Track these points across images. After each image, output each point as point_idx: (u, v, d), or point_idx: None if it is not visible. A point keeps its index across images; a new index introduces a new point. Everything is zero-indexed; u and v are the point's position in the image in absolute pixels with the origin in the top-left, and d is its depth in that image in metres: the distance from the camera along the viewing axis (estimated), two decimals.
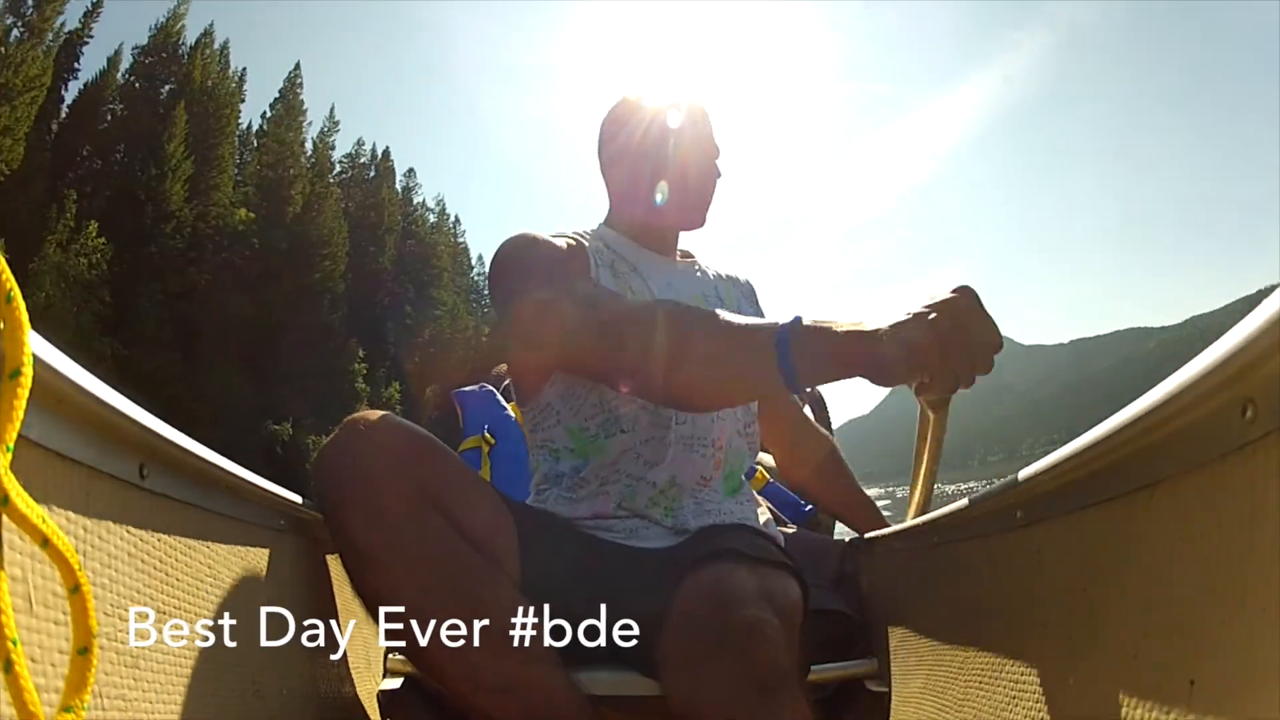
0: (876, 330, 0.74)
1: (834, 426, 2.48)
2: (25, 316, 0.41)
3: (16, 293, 0.40)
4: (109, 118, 28.22)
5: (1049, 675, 0.71)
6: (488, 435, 1.71)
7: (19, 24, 24.69)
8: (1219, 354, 0.44)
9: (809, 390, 2.71)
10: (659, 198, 1.15)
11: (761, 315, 1.19)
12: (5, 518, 0.40)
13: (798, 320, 0.79)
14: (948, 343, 0.71)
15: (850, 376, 0.78)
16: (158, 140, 27.34)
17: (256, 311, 28.31)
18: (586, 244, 1.13)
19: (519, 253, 1.07)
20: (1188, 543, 0.50)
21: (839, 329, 0.77)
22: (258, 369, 27.64)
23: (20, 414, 0.39)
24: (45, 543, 0.41)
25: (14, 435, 0.39)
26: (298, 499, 0.96)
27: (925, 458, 1.11)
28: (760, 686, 0.74)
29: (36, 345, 0.42)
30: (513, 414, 1.76)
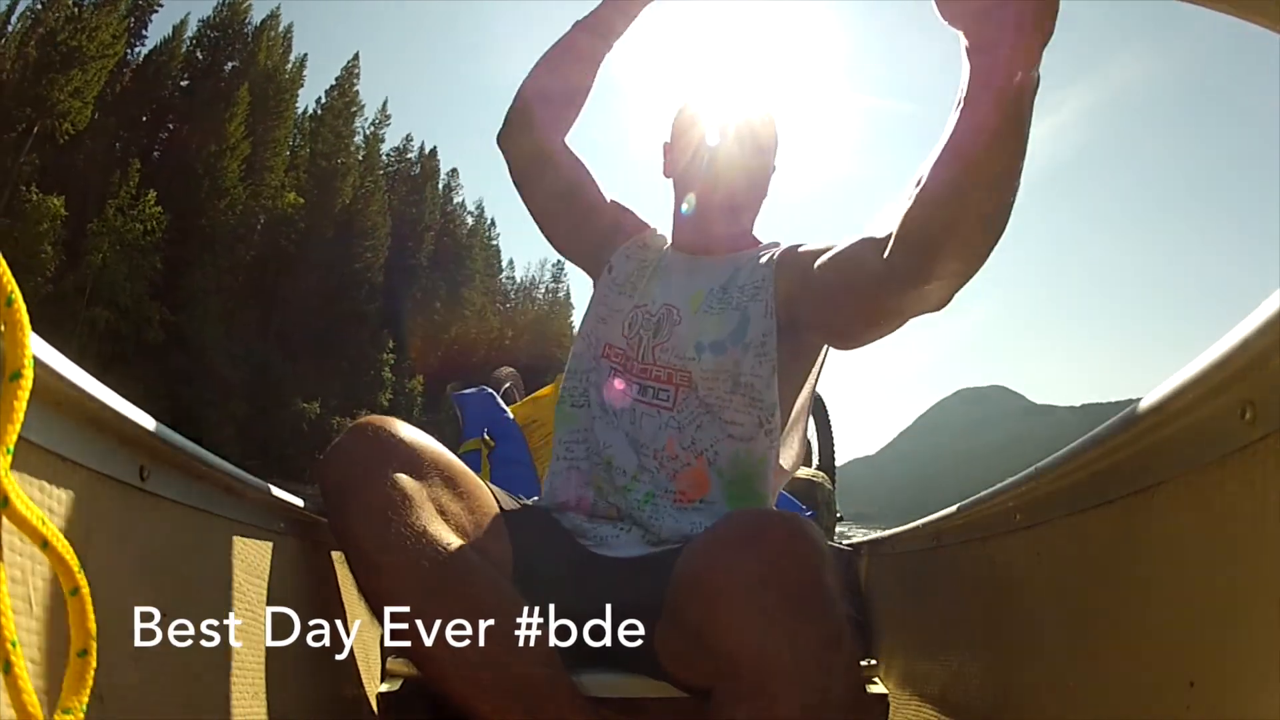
0: None
1: (838, 464, 2.43)
2: (26, 318, 0.41)
3: (17, 295, 0.40)
4: (173, 88, 28.84)
5: (1049, 676, 0.71)
6: (487, 438, 1.71)
7: None
8: (1218, 356, 0.44)
9: (814, 395, 2.70)
10: (685, 208, 1.16)
11: (769, 271, 1.06)
12: (5, 519, 0.40)
13: None
14: None
15: None
16: (218, 115, 28.01)
17: (297, 293, 29.44)
18: (644, 236, 1.20)
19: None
20: (1187, 544, 0.50)
21: None
22: (293, 347, 28.78)
23: (21, 416, 0.39)
24: (45, 545, 0.41)
25: (14, 437, 0.39)
26: (298, 501, 0.96)
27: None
28: (795, 591, 0.66)
29: (37, 347, 0.42)
30: (512, 416, 1.76)
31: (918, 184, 0.73)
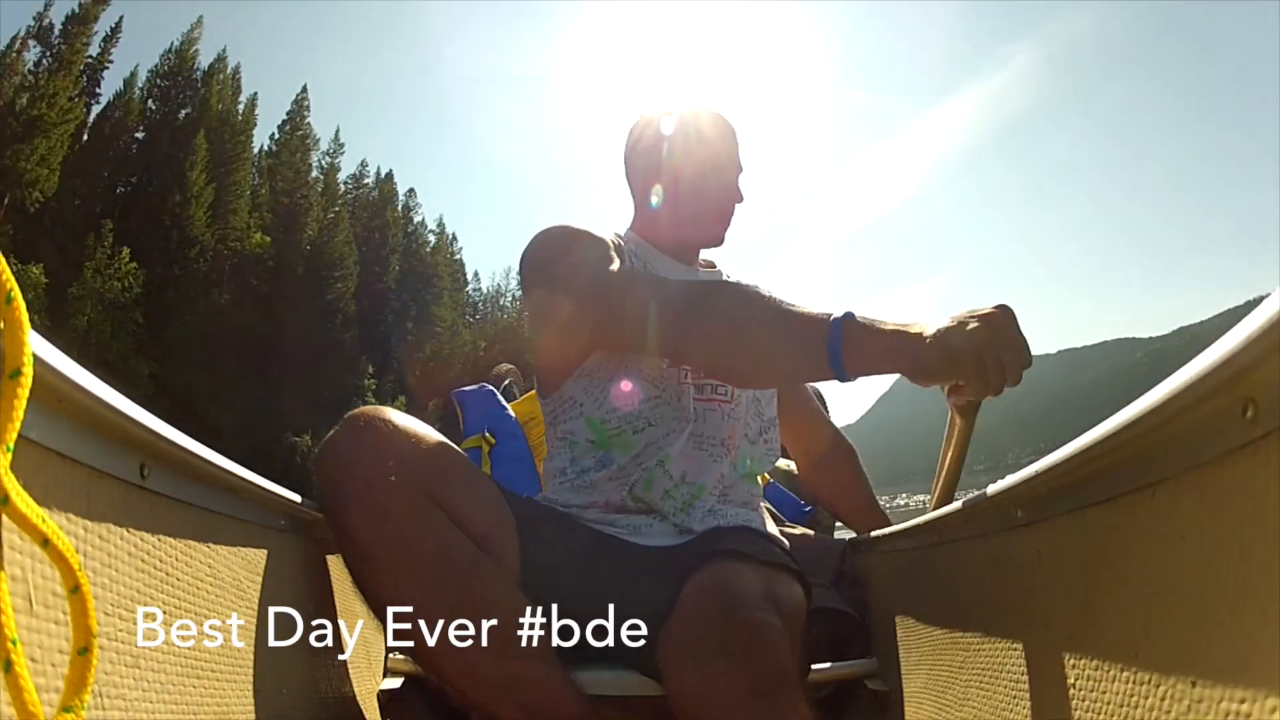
0: (921, 333, 0.80)
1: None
2: (25, 316, 0.41)
3: (17, 293, 0.40)
4: (130, 143, 29.47)
5: (1049, 674, 0.71)
6: (488, 435, 1.71)
7: (48, 54, 25.69)
8: (1219, 354, 0.44)
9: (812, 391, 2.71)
10: (654, 200, 1.17)
11: None
12: (5, 518, 0.40)
13: (850, 315, 0.84)
14: (984, 352, 0.76)
15: (892, 371, 0.83)
16: (178, 165, 28.78)
17: (274, 330, 30.28)
18: (619, 240, 1.15)
19: (564, 241, 1.08)
20: (1188, 542, 0.50)
21: (887, 327, 0.83)
22: (277, 384, 29.56)
23: (21, 414, 0.39)
24: (45, 543, 0.41)
25: (14, 435, 0.39)
26: (298, 499, 0.96)
27: (950, 456, 1.15)
28: (762, 689, 0.74)
29: (37, 345, 0.42)
30: (513, 414, 1.76)
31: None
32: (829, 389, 2.61)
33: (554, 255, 1.07)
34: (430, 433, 0.90)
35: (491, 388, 1.85)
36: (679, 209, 1.16)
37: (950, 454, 1.16)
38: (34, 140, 24.16)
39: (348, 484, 0.81)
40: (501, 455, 1.69)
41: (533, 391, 1.93)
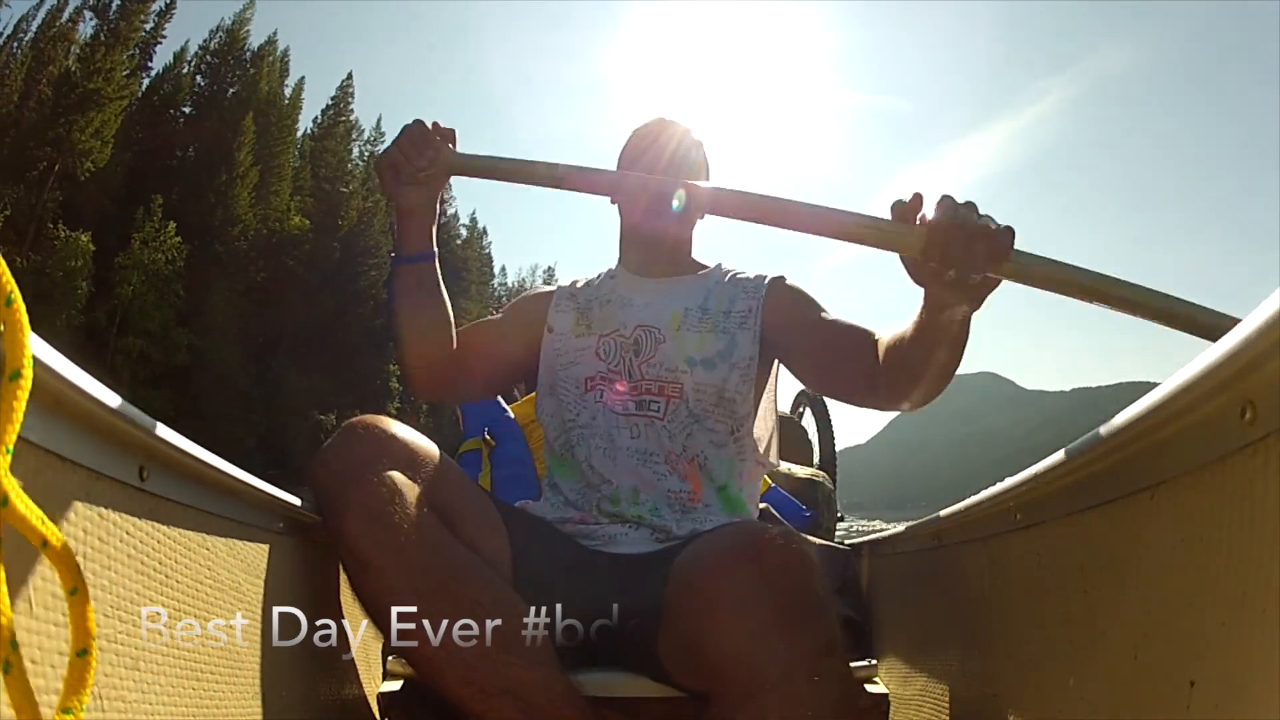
0: None
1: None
2: (25, 318, 0.41)
3: (16, 295, 0.40)
4: (179, 116, 30.31)
5: (1049, 676, 0.71)
6: (488, 437, 1.71)
7: (104, 29, 26.40)
8: (1219, 355, 0.44)
9: (809, 395, 2.71)
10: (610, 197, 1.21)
11: (758, 302, 1.16)
12: (5, 519, 0.40)
13: None
14: (943, 220, 0.77)
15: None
16: (226, 144, 29.72)
17: (307, 311, 31.43)
18: (564, 290, 1.26)
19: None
20: (1188, 544, 0.50)
21: None
22: (306, 363, 30.81)
23: (20, 415, 0.39)
24: (45, 544, 0.41)
25: (14, 437, 0.39)
26: (297, 501, 0.96)
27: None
28: (787, 602, 0.69)
29: (37, 347, 0.42)
30: (513, 416, 1.76)
31: (897, 341, 0.94)
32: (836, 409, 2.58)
33: None
34: (426, 442, 0.91)
35: None
36: (623, 213, 1.23)
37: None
38: (89, 113, 24.77)
39: (345, 491, 0.82)
40: (501, 457, 1.69)
41: (533, 394, 1.93)
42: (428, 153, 1.04)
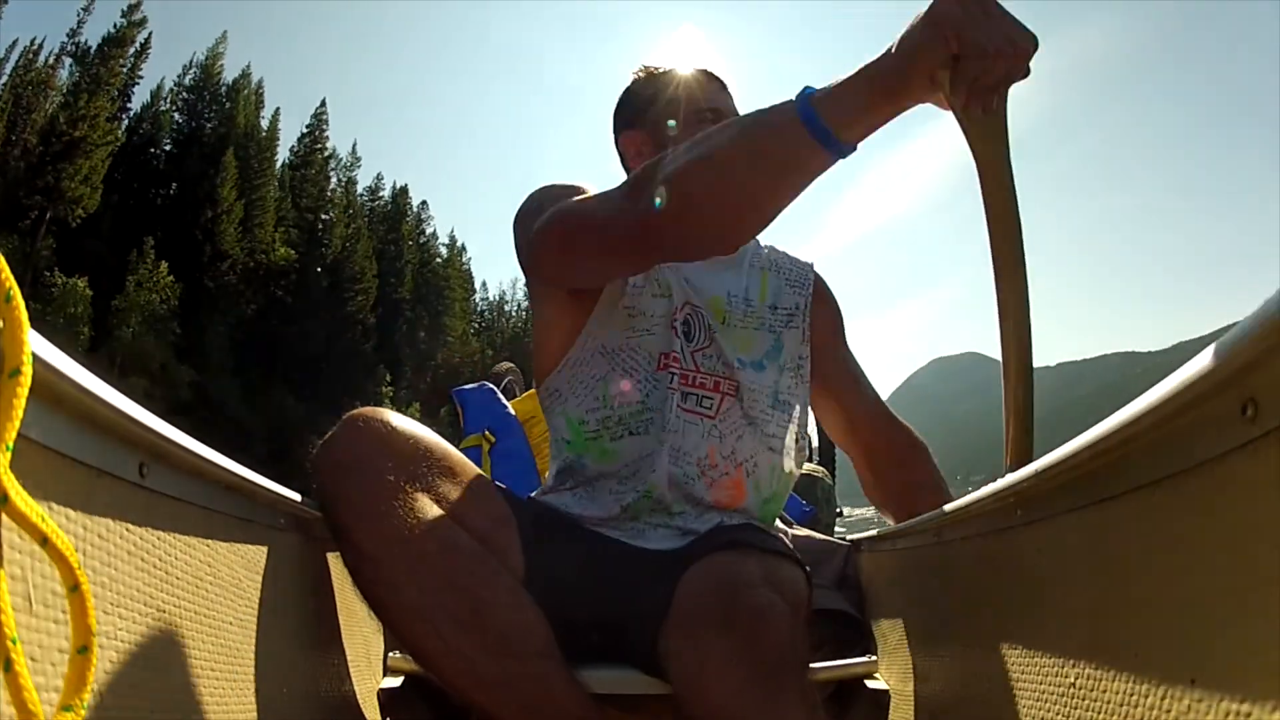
0: (891, 44, 0.73)
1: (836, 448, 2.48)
2: (25, 316, 0.41)
3: (16, 291, 0.40)
4: (159, 156, 31.43)
5: (1049, 674, 0.71)
6: (488, 433, 1.71)
7: (86, 76, 27.20)
8: (1220, 352, 0.44)
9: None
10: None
11: (805, 299, 1.09)
12: (5, 516, 0.40)
13: (808, 88, 0.74)
14: (966, 4, 0.70)
15: (883, 90, 0.72)
16: (209, 180, 30.86)
17: (299, 339, 32.83)
18: None
19: (554, 191, 1.02)
20: (1188, 542, 0.50)
21: (852, 73, 0.73)
22: (302, 390, 32.12)
23: (20, 413, 0.39)
24: (45, 541, 0.41)
25: (14, 434, 0.39)
26: (298, 497, 0.96)
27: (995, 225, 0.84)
28: (767, 670, 0.71)
29: (36, 344, 0.42)
30: (513, 412, 1.76)
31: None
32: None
33: (544, 199, 1.01)
34: (428, 433, 0.90)
35: (492, 386, 1.85)
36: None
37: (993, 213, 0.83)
38: (76, 161, 25.76)
39: (346, 484, 0.81)
40: (501, 453, 1.69)
41: (533, 390, 1.93)
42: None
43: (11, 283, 0.40)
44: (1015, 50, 0.70)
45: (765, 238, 1.17)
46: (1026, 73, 0.72)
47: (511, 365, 2.16)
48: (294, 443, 27.82)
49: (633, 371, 1.02)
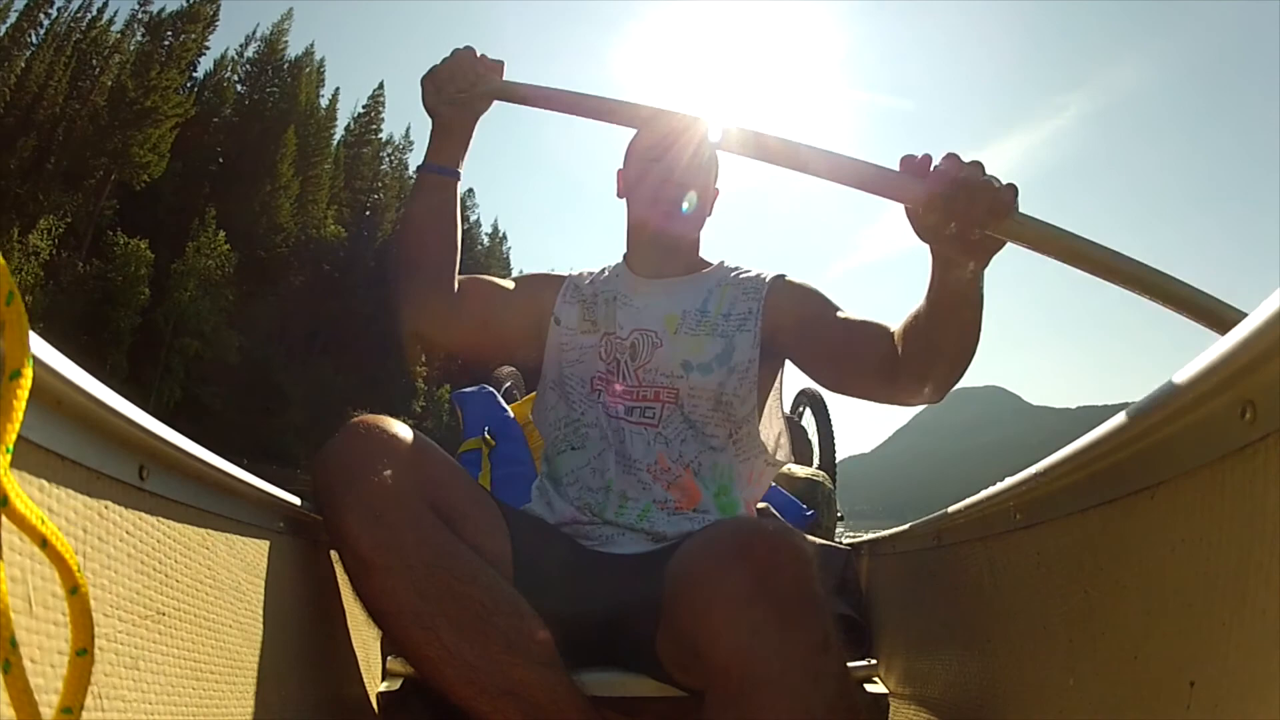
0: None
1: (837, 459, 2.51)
2: (25, 317, 0.41)
3: (16, 293, 0.40)
4: (221, 125, 32.27)
5: (1049, 676, 0.71)
6: (488, 436, 1.71)
7: (160, 48, 28.22)
8: (1218, 355, 0.44)
9: (809, 394, 2.71)
10: (621, 186, 1.23)
11: (758, 304, 1.14)
12: (5, 518, 0.40)
13: None
14: (947, 180, 0.77)
15: None
16: (266, 152, 31.94)
17: (344, 315, 33.94)
18: (572, 280, 1.23)
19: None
20: (1188, 544, 0.50)
21: None
22: (341, 363, 33.38)
23: (20, 415, 0.39)
24: (44, 544, 0.41)
25: (14, 436, 0.39)
26: (297, 500, 0.96)
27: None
28: (784, 605, 0.66)
29: (37, 346, 0.42)
30: (513, 415, 1.76)
31: (914, 317, 0.93)
32: (827, 392, 2.58)
33: None
34: (428, 442, 0.91)
35: (492, 390, 1.85)
36: (630, 210, 1.22)
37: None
38: (146, 129, 26.79)
39: (346, 491, 0.81)
40: (501, 457, 1.69)
41: (533, 394, 1.93)
42: (469, 76, 1.07)
43: (12, 285, 0.40)
44: (994, 208, 0.77)
45: (732, 259, 1.25)
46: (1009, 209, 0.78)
47: (513, 369, 2.16)
48: (329, 413, 28.66)
49: (570, 395, 1.13)
